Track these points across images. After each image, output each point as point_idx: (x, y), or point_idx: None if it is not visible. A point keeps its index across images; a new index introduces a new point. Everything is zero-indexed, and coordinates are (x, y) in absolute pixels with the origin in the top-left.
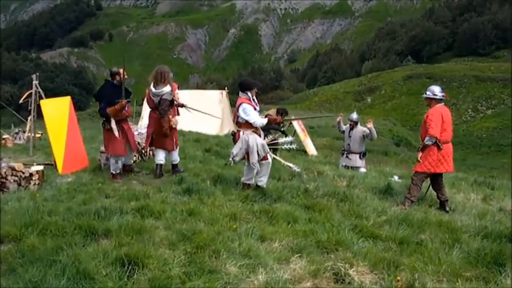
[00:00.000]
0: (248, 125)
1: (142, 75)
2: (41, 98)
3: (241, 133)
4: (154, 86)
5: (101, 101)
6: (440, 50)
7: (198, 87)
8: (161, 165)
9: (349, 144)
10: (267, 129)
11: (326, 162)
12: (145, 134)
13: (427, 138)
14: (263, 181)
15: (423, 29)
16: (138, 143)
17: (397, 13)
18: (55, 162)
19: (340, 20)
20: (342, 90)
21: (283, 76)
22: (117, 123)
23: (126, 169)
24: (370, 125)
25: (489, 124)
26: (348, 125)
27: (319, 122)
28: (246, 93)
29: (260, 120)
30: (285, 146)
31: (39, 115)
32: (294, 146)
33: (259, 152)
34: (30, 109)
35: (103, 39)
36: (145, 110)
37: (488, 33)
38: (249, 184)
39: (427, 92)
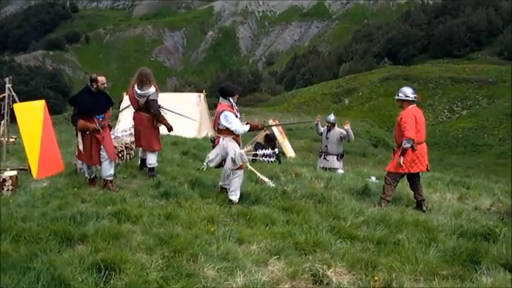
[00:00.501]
0: (229, 132)
1: (119, 79)
2: (14, 101)
3: (220, 139)
4: (139, 88)
5: (75, 107)
6: (417, 51)
7: (176, 90)
8: (142, 159)
9: (326, 146)
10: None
11: (304, 164)
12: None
13: (404, 141)
14: (236, 195)
15: (399, 31)
16: (115, 147)
17: (374, 16)
18: (29, 167)
19: (318, 22)
20: (320, 92)
21: (261, 78)
22: (91, 133)
23: (104, 184)
24: (347, 126)
25: (464, 124)
26: (326, 127)
27: (297, 124)
28: (228, 100)
29: (242, 128)
30: (264, 158)
31: (13, 119)
32: (272, 159)
33: (237, 161)
34: (3, 113)
35: (79, 42)
36: (123, 113)
37: (463, 36)
38: (234, 202)
39: (399, 94)
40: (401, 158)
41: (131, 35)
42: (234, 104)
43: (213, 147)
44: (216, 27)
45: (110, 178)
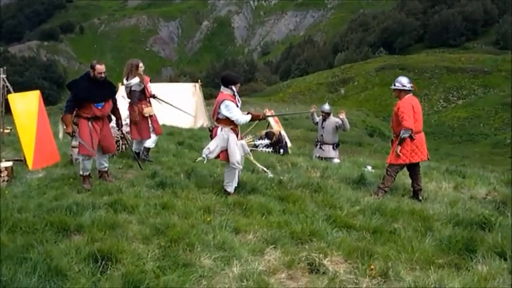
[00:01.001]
0: (228, 121)
1: (114, 69)
2: (9, 92)
3: (219, 129)
4: (126, 79)
5: (71, 92)
6: (412, 41)
7: (171, 80)
8: (137, 152)
9: (322, 135)
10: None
11: (300, 154)
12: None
13: (402, 131)
14: (231, 187)
15: (395, 20)
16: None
17: (370, 5)
18: (25, 158)
19: (313, 12)
20: (316, 82)
21: (257, 68)
22: (88, 120)
23: (99, 175)
24: (343, 115)
25: (460, 114)
26: (321, 116)
27: (293, 114)
28: (231, 88)
29: (243, 118)
30: (262, 148)
31: (8, 110)
32: (270, 150)
33: (240, 152)
34: None
35: (74, 32)
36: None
37: (459, 25)
38: (229, 191)
39: (396, 84)
40: (399, 148)
41: (126, 25)
42: (235, 93)
43: (211, 136)
44: (211, 17)
45: (105, 169)
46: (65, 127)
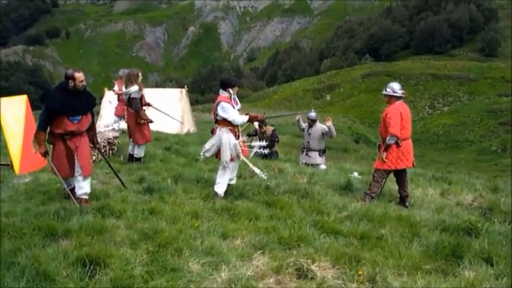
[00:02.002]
0: (226, 122)
1: (100, 74)
2: None
3: (217, 130)
4: (125, 87)
5: (44, 105)
6: (398, 48)
7: (158, 85)
8: (131, 154)
9: (308, 142)
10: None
11: (286, 160)
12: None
13: (388, 137)
14: (221, 188)
15: (381, 27)
16: (97, 143)
17: (356, 12)
18: (12, 162)
19: (299, 18)
20: (302, 88)
21: (243, 74)
22: (61, 137)
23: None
24: (329, 123)
25: (446, 121)
26: (307, 123)
27: (279, 120)
28: (228, 91)
29: (239, 118)
30: (258, 149)
31: None
32: (266, 151)
33: (231, 152)
34: None
35: (59, 37)
36: (103, 109)
37: (444, 32)
38: (219, 195)
39: (387, 89)
40: (384, 154)
41: (112, 31)
42: (233, 96)
43: None
44: (197, 22)
45: (85, 197)
46: (37, 146)
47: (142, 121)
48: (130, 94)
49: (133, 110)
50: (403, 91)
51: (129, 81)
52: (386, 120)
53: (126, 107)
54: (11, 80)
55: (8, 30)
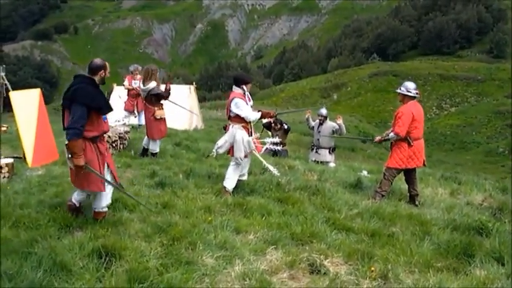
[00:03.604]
0: (239, 119)
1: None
2: (7, 90)
3: (230, 127)
4: (142, 83)
5: (81, 103)
6: (406, 48)
7: (164, 82)
8: (144, 148)
9: (318, 140)
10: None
11: (296, 157)
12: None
13: (391, 134)
14: (230, 183)
15: (389, 27)
16: (109, 136)
17: (364, 11)
18: (24, 155)
19: (307, 16)
20: (309, 87)
21: (250, 72)
22: (93, 141)
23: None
24: (340, 121)
25: (453, 121)
26: (317, 120)
27: (287, 118)
28: (242, 88)
29: (253, 115)
30: (271, 146)
31: (5, 108)
32: (279, 148)
33: (245, 149)
34: None
35: (68, 33)
36: (112, 104)
37: (453, 33)
38: (228, 190)
39: (402, 88)
40: (378, 138)
41: (120, 27)
42: (246, 93)
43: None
44: (205, 20)
45: (105, 210)
46: (74, 157)
47: (159, 116)
48: (149, 90)
49: (164, 98)
50: (417, 91)
51: (148, 77)
52: (396, 118)
53: (144, 102)
54: (19, 74)
55: (17, 25)
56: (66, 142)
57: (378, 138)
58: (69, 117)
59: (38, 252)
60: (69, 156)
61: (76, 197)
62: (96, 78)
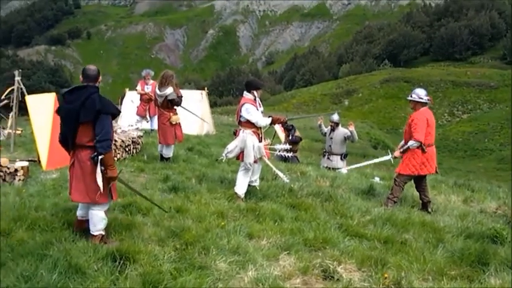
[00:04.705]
0: (249, 124)
1: (119, 75)
2: (23, 94)
3: (241, 132)
4: (158, 88)
5: (105, 112)
6: (418, 54)
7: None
8: (161, 155)
9: (330, 146)
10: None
11: (308, 163)
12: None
13: (411, 142)
14: (240, 189)
15: (401, 33)
16: (123, 141)
17: (375, 17)
18: (39, 158)
19: (319, 22)
20: (320, 93)
21: (261, 78)
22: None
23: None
24: (352, 127)
25: (465, 128)
26: (329, 127)
27: (298, 124)
28: (253, 93)
29: (263, 120)
30: (281, 152)
31: (20, 112)
32: (290, 154)
33: (255, 154)
34: (12, 105)
35: (81, 38)
36: (124, 109)
37: (465, 39)
38: (240, 196)
39: (413, 95)
40: (398, 152)
41: (132, 32)
42: (257, 98)
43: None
44: (216, 25)
45: (103, 233)
46: (110, 168)
47: (174, 122)
48: (166, 96)
49: (177, 105)
50: (428, 97)
51: (164, 82)
52: (412, 125)
53: (158, 107)
54: (32, 78)
55: (32, 30)
56: (101, 156)
57: (396, 153)
58: (98, 128)
59: (53, 255)
60: (102, 168)
61: (80, 212)
62: (98, 84)
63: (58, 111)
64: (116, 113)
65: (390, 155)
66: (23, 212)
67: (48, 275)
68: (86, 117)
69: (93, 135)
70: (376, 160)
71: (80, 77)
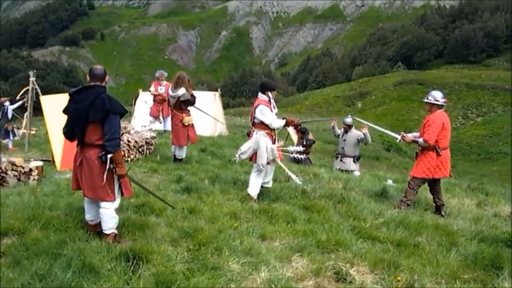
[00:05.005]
0: (263, 126)
1: (132, 76)
2: (37, 94)
3: (254, 133)
4: (172, 90)
5: (114, 112)
6: (431, 56)
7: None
8: (175, 156)
9: (343, 148)
10: None
11: (321, 165)
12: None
13: (420, 139)
14: (253, 190)
15: (414, 35)
16: (136, 141)
17: (389, 19)
18: (53, 158)
19: (332, 24)
20: (333, 95)
21: (274, 79)
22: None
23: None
24: (365, 130)
25: (479, 132)
26: (342, 129)
27: (311, 126)
28: (267, 94)
29: (277, 122)
30: (295, 154)
31: (34, 112)
32: (303, 157)
33: (268, 156)
34: (27, 106)
35: (95, 39)
36: (138, 109)
37: (480, 41)
38: (252, 197)
39: (429, 97)
40: (410, 136)
41: (145, 33)
42: (271, 100)
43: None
44: (229, 27)
45: (115, 231)
46: (119, 166)
47: (187, 123)
48: (178, 97)
49: (191, 104)
50: (445, 100)
51: (177, 84)
52: (426, 126)
53: (171, 108)
54: (46, 79)
55: (46, 31)
56: (111, 154)
57: (409, 136)
58: (107, 128)
59: (67, 254)
60: (112, 166)
61: (88, 216)
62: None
63: (65, 110)
64: (123, 112)
65: (400, 135)
66: (37, 211)
67: (62, 274)
68: (95, 117)
69: (101, 134)
70: (387, 131)
71: (87, 76)
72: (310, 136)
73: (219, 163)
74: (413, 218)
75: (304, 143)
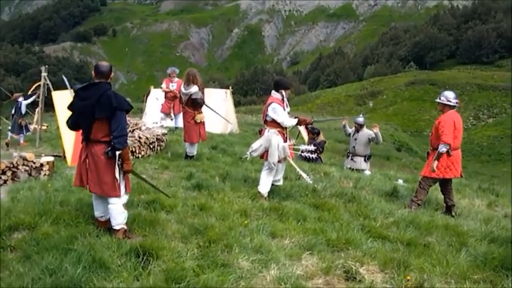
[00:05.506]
0: (275, 124)
1: (144, 72)
2: (49, 90)
3: (266, 131)
4: (184, 87)
5: (122, 109)
6: (444, 57)
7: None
8: (185, 152)
9: (354, 147)
10: None
11: (331, 164)
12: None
13: (441, 145)
14: (264, 188)
15: (427, 35)
16: (147, 138)
17: (402, 18)
18: (64, 153)
19: (344, 23)
20: (344, 94)
21: (286, 78)
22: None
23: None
24: (377, 129)
25: (490, 133)
26: (354, 128)
27: (322, 125)
28: (281, 93)
29: (289, 121)
30: (305, 153)
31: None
32: (314, 156)
33: (279, 154)
34: (38, 101)
35: (106, 35)
36: (149, 106)
37: (492, 42)
38: (263, 195)
39: (441, 98)
40: (435, 163)
41: (157, 30)
42: (285, 98)
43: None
44: (242, 25)
45: (124, 227)
46: (126, 163)
47: (199, 120)
48: (190, 95)
49: (199, 105)
50: (457, 100)
51: (189, 81)
52: (440, 128)
53: (183, 106)
54: (58, 75)
55: (58, 27)
56: (119, 151)
57: (435, 163)
58: (114, 125)
59: (78, 249)
60: (119, 162)
61: (97, 212)
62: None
63: (70, 106)
64: (129, 109)
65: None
66: (48, 206)
67: (72, 269)
68: (101, 114)
69: (107, 130)
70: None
71: (92, 73)
72: (321, 137)
73: (229, 160)
74: (424, 217)
75: (315, 143)
